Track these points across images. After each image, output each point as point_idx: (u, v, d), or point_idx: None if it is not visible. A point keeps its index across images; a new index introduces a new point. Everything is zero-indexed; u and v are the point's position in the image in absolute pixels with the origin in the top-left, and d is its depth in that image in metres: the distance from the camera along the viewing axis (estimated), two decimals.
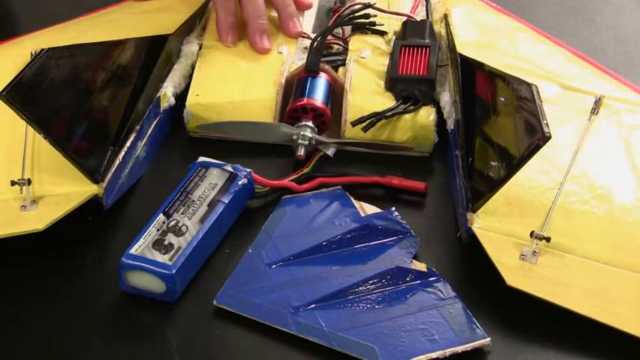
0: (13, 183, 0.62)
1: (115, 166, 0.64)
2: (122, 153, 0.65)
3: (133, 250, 0.59)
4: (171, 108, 0.73)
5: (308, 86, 0.71)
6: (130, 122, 0.67)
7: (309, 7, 0.80)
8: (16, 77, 0.59)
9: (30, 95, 0.60)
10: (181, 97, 0.72)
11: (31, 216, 0.61)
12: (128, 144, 0.66)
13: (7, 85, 0.58)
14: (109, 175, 0.63)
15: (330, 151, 0.68)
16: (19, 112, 0.59)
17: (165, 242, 0.59)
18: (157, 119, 0.71)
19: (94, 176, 0.62)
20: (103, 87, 0.67)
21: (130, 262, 0.58)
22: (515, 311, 0.58)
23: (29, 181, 0.62)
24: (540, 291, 0.57)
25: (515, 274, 0.58)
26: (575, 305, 0.57)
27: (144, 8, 0.79)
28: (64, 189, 0.62)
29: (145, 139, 0.69)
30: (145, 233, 0.60)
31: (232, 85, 0.72)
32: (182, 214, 0.61)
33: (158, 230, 0.60)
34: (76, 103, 0.65)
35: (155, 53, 0.71)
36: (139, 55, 0.70)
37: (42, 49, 0.62)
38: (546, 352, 0.57)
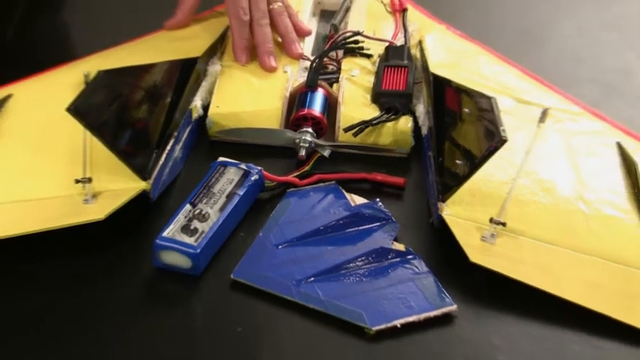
0: (77, 181, 0.61)
1: (159, 165, 0.64)
2: (164, 155, 0.65)
3: (165, 234, 0.59)
4: (198, 117, 0.72)
5: (308, 99, 0.70)
6: (169, 130, 0.66)
7: (309, 33, 0.80)
8: (79, 94, 0.59)
9: (90, 108, 0.60)
10: (206, 108, 0.72)
11: (92, 208, 0.60)
12: (168, 147, 0.66)
13: (73, 101, 0.58)
14: (155, 173, 0.63)
15: (327, 153, 0.68)
16: (83, 123, 0.59)
17: (192, 227, 0.59)
18: (190, 127, 0.70)
19: (143, 174, 0.62)
20: (147, 101, 0.67)
21: (162, 243, 0.58)
22: (478, 283, 0.58)
23: (90, 180, 0.62)
24: (498, 266, 0.57)
25: (478, 253, 0.58)
26: (527, 278, 0.57)
27: (175, 36, 0.79)
28: (118, 185, 0.62)
29: (181, 143, 0.68)
30: (175, 219, 0.60)
31: (246, 98, 0.72)
32: (205, 204, 0.61)
33: (185, 217, 0.60)
34: (125, 114, 0.65)
35: (187, 73, 0.71)
36: (174, 74, 0.70)
37: (98, 71, 0.62)
38: (503, 316, 0.57)
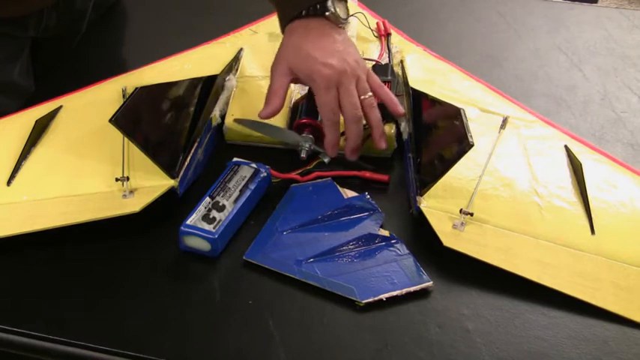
0: (117, 180, 0.61)
1: (185, 166, 0.63)
2: (189, 157, 0.64)
3: (188, 222, 0.58)
4: (217, 125, 0.71)
5: (308, 109, 0.69)
6: (193, 136, 0.66)
7: (402, 115, 0.68)
8: (120, 108, 0.59)
9: (129, 119, 0.59)
10: (224, 117, 0.71)
11: (130, 202, 0.60)
12: (192, 151, 0.65)
13: (115, 114, 0.58)
14: (181, 172, 0.62)
15: (326, 160, 0.66)
16: (122, 131, 0.59)
17: (211, 216, 0.58)
18: (210, 133, 0.69)
19: (171, 173, 0.61)
20: (175, 112, 0.66)
21: (186, 229, 0.58)
22: (450, 263, 0.58)
23: (128, 178, 0.61)
24: (466, 249, 0.57)
25: (450, 238, 0.58)
26: (490, 259, 0.57)
27: (198, 56, 0.78)
28: (151, 183, 0.61)
29: (203, 147, 0.67)
30: (197, 210, 0.59)
31: (257, 107, 0.69)
32: (222, 196, 0.60)
33: (205, 208, 0.59)
34: (157, 123, 0.64)
35: (208, 88, 0.70)
36: (197, 89, 0.69)
37: (135, 87, 0.62)
38: (470, 290, 0.56)
